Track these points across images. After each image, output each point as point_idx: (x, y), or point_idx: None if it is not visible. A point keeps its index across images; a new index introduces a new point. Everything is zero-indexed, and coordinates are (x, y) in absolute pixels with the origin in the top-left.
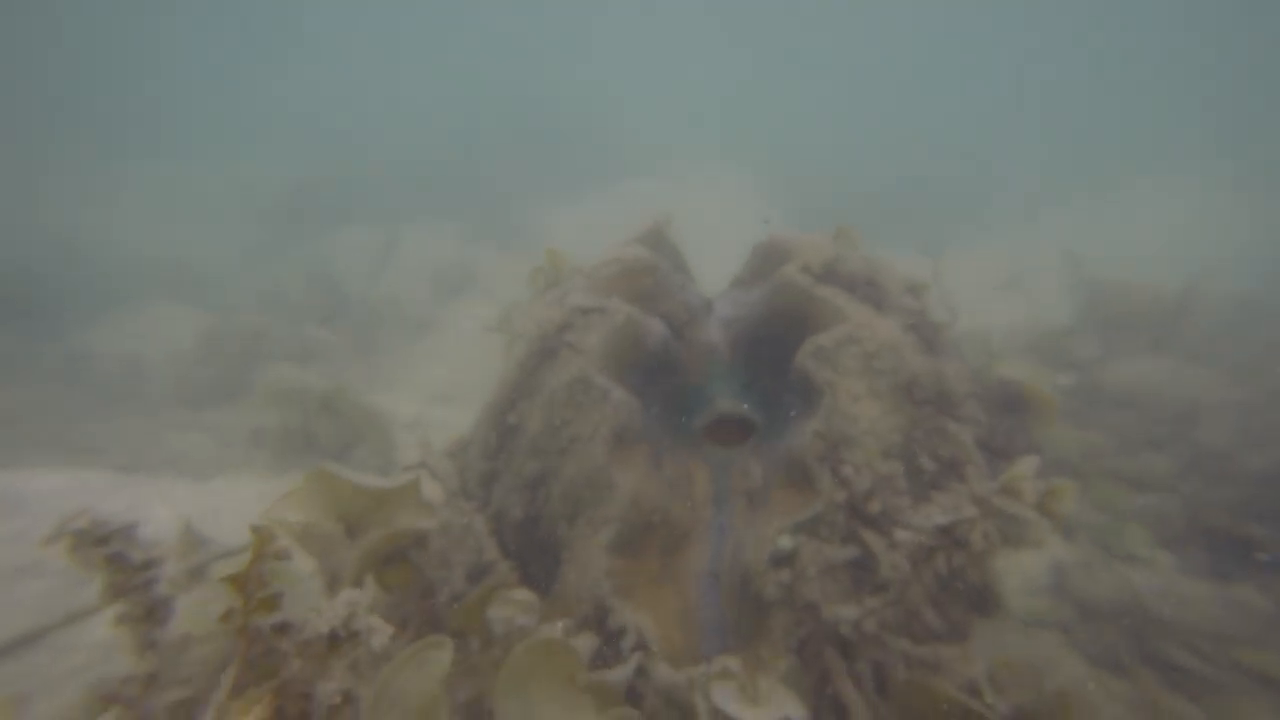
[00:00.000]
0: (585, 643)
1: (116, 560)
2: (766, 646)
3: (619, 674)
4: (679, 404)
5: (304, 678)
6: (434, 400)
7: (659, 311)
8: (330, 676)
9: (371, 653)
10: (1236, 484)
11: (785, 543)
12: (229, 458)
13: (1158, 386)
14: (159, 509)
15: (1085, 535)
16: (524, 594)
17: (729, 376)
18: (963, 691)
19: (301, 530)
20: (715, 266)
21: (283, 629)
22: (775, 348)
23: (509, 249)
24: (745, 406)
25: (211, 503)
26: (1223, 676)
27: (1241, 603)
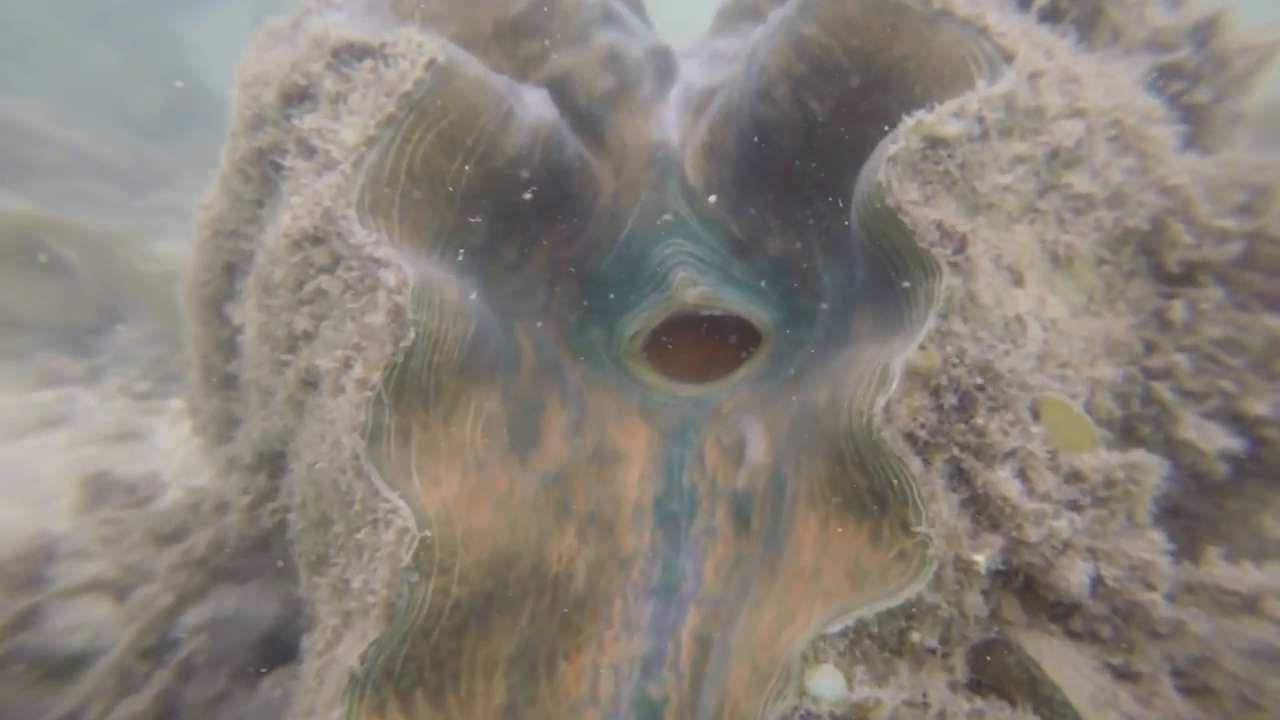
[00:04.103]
0: None
1: None
2: None
3: None
4: (587, 287)
5: None
6: None
7: (543, 73)
8: None
9: None
10: None
11: (825, 687)
12: None
13: None
14: None
15: None
16: None
17: (701, 222)
18: None
19: None
20: None
21: None
22: (811, 152)
23: None
24: (735, 293)
25: None
26: None
27: None
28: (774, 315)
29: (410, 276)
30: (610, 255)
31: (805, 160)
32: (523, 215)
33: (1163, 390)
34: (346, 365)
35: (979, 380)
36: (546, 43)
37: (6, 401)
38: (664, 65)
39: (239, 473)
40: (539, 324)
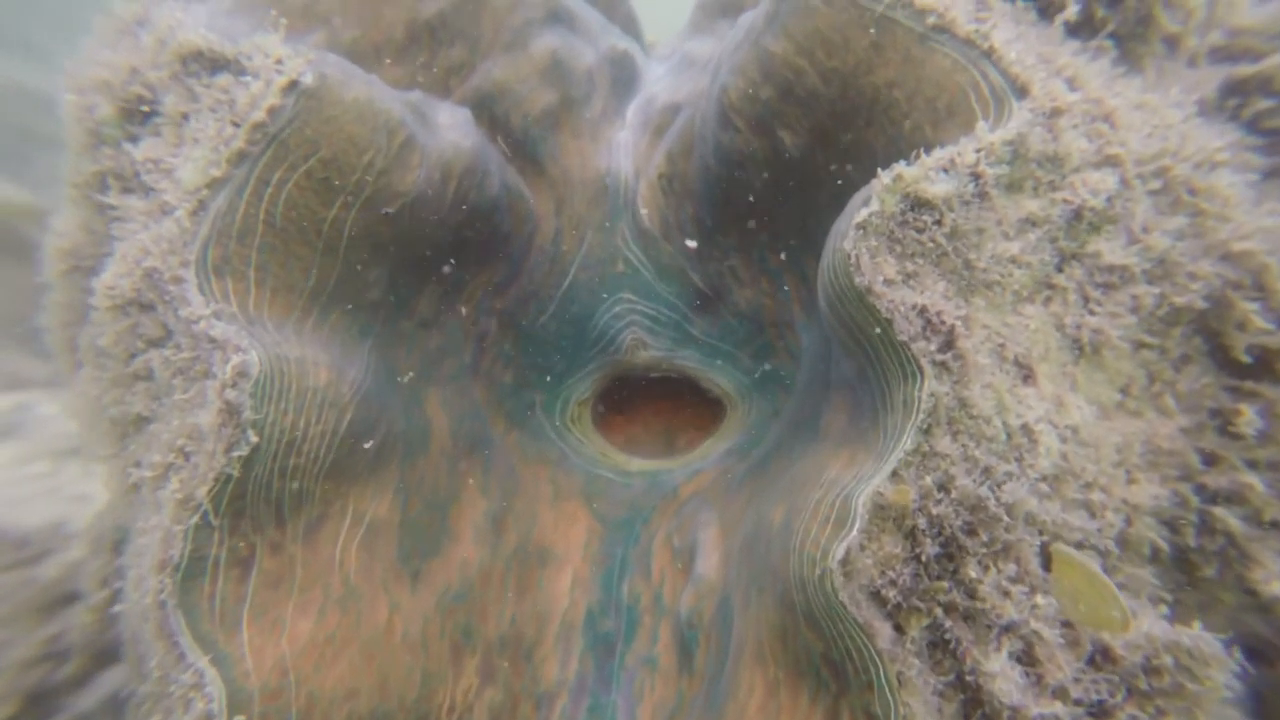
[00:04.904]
0: None
1: None
2: None
3: None
4: (525, 342)
5: None
6: None
7: (468, 87)
8: None
9: None
10: None
11: None
12: None
13: None
14: None
15: None
16: None
17: (657, 272)
18: None
19: None
20: None
21: None
22: (784, 191)
23: None
24: (697, 355)
25: None
26: None
27: None
28: (743, 380)
29: (254, 362)
30: (550, 309)
31: (778, 200)
32: (439, 260)
33: (1231, 520)
34: (167, 475)
35: (969, 520)
36: (473, 50)
37: None
38: (622, 74)
39: (102, 556)
40: (466, 387)
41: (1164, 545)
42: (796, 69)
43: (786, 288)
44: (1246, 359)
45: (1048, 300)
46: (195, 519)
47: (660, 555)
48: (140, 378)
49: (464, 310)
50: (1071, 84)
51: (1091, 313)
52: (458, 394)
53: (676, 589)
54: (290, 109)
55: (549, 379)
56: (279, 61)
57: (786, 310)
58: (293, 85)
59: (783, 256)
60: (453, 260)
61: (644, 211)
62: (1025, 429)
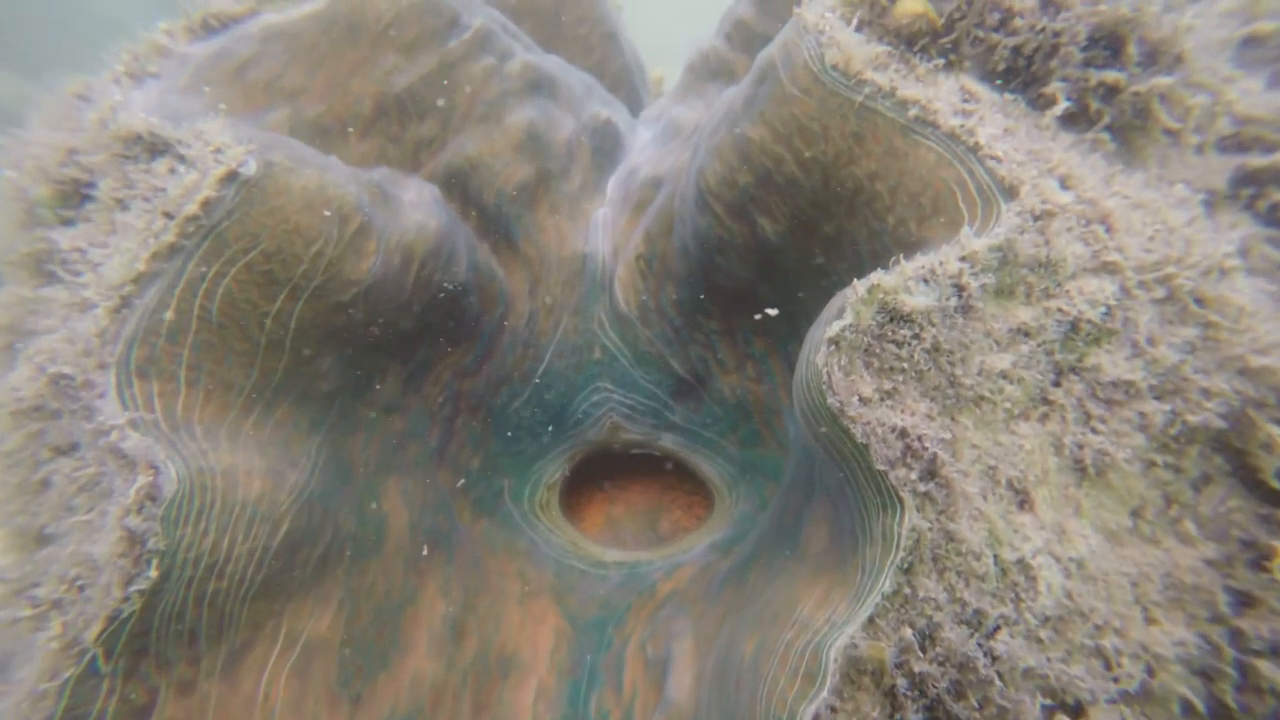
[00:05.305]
0: None
1: None
2: None
3: None
4: (496, 426)
5: None
6: None
7: (439, 161)
8: None
9: None
10: None
11: None
12: None
13: None
14: None
15: None
16: None
17: (635, 359)
18: None
19: None
20: None
21: None
22: (766, 278)
23: None
24: (679, 441)
25: None
26: None
27: None
28: (728, 469)
29: (168, 482)
30: (524, 394)
31: (761, 285)
32: (402, 344)
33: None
34: (48, 615)
35: (957, 679)
36: (445, 123)
37: None
38: (604, 144)
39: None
40: (430, 473)
41: (1197, 701)
42: (774, 156)
43: (773, 374)
44: (1278, 484)
45: (1044, 417)
46: (76, 671)
47: (633, 665)
48: (48, 487)
49: (430, 392)
50: (1064, 182)
51: (1094, 431)
52: (420, 482)
53: (648, 707)
54: (229, 200)
55: (520, 463)
56: (218, 150)
57: (774, 397)
58: (231, 176)
59: (769, 341)
60: (417, 341)
61: (621, 294)
62: (1021, 564)
